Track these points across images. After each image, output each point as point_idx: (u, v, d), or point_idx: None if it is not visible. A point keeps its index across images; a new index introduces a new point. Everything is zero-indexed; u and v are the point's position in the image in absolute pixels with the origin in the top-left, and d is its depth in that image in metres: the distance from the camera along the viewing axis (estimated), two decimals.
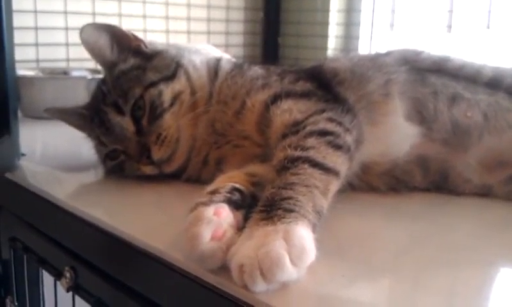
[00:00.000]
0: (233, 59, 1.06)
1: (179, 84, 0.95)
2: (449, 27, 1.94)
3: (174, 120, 0.92)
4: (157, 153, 0.91)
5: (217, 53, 1.09)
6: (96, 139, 0.98)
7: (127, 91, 0.93)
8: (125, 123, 0.93)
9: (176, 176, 0.96)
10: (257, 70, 0.97)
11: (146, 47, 1.00)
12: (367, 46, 2.20)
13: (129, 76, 0.95)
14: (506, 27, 1.79)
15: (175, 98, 0.93)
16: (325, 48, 2.23)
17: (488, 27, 1.84)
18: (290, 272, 0.55)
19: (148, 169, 0.93)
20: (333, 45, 2.24)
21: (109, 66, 0.99)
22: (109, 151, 0.96)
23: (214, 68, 0.99)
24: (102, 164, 1.01)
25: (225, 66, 1.00)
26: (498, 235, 0.78)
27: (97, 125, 0.96)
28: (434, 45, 1.95)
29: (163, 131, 0.91)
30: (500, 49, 1.79)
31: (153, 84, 0.93)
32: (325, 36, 2.23)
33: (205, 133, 0.94)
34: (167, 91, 0.93)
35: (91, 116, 0.98)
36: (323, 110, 0.84)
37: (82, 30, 0.97)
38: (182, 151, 0.93)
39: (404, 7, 2.11)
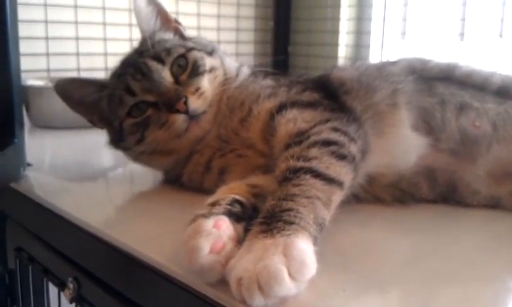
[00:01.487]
0: (249, 69, 1.06)
1: (215, 62, 0.98)
2: (461, 35, 1.94)
3: (210, 86, 0.94)
4: (195, 102, 0.91)
5: None
6: (125, 93, 0.94)
7: (170, 48, 0.96)
8: (164, 72, 0.93)
9: (179, 185, 0.97)
10: (268, 81, 0.97)
11: (184, 30, 1.05)
12: (377, 54, 2.19)
13: (172, 41, 1.00)
14: None
15: (213, 69, 0.97)
16: (335, 57, 2.23)
17: (501, 36, 1.82)
18: (288, 286, 0.54)
19: (179, 119, 0.90)
20: (343, 53, 2.24)
21: (150, 33, 1.01)
22: (137, 102, 0.93)
23: (237, 72, 1.01)
24: (115, 135, 0.98)
25: (242, 75, 1.01)
26: (505, 248, 0.77)
27: (131, 73, 0.94)
28: (447, 53, 1.95)
29: (202, 87, 0.92)
30: None
31: (196, 49, 0.98)
32: (335, 45, 2.23)
33: (212, 134, 0.94)
34: (207, 59, 0.97)
35: (118, 76, 0.98)
36: (328, 120, 0.83)
37: None
38: (211, 116, 0.93)
39: (415, 15, 2.10)
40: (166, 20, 1.04)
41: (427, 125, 0.90)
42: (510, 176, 0.89)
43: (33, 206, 0.95)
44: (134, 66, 0.95)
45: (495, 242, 0.79)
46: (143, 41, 1.00)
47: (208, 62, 0.96)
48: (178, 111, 0.89)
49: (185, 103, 0.89)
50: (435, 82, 0.96)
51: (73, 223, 0.85)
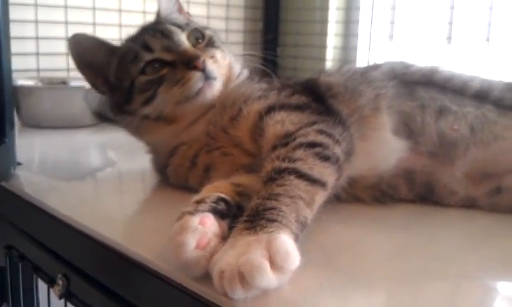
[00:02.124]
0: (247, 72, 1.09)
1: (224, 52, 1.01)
2: (449, 38, 1.96)
3: (222, 62, 0.98)
4: (211, 65, 0.94)
5: None
6: (143, 49, 0.96)
7: (188, 22, 1.02)
8: (182, 36, 0.98)
9: (164, 178, 1.01)
10: (261, 83, 1.00)
11: None
12: (365, 57, 2.21)
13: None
14: (506, 39, 1.81)
15: (223, 52, 1.00)
16: (323, 59, 2.25)
17: (488, 40, 1.85)
18: (270, 278, 0.56)
19: (196, 76, 0.92)
20: (331, 55, 2.26)
21: (168, 12, 1.09)
22: (153, 59, 0.95)
23: (240, 71, 1.05)
24: (121, 97, 0.99)
25: (244, 74, 1.05)
26: (480, 246, 0.79)
27: (152, 33, 0.98)
28: (434, 56, 1.96)
29: (217, 57, 0.97)
30: (500, 61, 1.81)
31: (209, 29, 1.04)
32: (323, 47, 2.26)
33: (201, 129, 0.96)
34: (220, 43, 1.02)
35: (133, 40, 1.00)
36: (314, 123, 0.85)
37: None
38: (220, 87, 0.96)
39: (403, 18, 2.12)
40: (180, 10, 1.10)
41: (408, 129, 0.93)
42: (486, 177, 0.92)
43: (23, 205, 0.97)
44: (153, 29, 0.99)
45: (469, 241, 0.82)
46: (159, 17, 1.06)
47: (220, 44, 1.02)
48: (195, 68, 0.92)
49: (203, 62, 0.93)
50: (416, 86, 0.98)
51: (63, 221, 0.86)
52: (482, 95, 0.98)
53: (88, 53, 1.02)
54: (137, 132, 1.02)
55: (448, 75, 1.02)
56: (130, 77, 0.96)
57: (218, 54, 0.98)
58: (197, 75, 0.92)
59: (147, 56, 0.95)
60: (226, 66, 0.99)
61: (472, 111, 0.95)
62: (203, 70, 0.92)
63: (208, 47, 0.98)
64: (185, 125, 0.97)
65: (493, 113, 0.95)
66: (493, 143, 0.92)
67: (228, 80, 0.99)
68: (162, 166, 1.02)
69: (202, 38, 1.00)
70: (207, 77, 0.93)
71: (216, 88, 0.95)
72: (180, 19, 1.04)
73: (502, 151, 0.92)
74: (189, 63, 0.92)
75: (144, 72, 0.95)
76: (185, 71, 0.92)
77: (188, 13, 1.11)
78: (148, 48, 0.96)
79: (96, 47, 1.03)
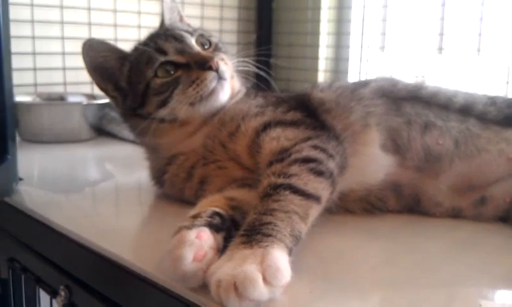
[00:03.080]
0: (245, 89, 1.12)
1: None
2: (440, 49, 1.98)
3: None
4: (223, 66, 0.98)
5: None
6: (156, 52, 1.00)
7: (194, 29, 1.08)
8: (193, 40, 1.03)
9: (160, 186, 1.05)
10: (258, 99, 1.03)
11: None
12: (356, 68, 2.25)
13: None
14: (496, 50, 1.83)
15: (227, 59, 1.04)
16: (316, 70, 2.28)
17: (478, 50, 1.87)
18: (261, 290, 0.60)
19: (210, 76, 0.96)
20: (323, 66, 2.29)
21: (172, 21, 1.15)
22: (165, 61, 0.99)
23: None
24: (135, 100, 1.02)
25: (242, 91, 1.08)
26: (463, 255, 0.83)
27: (162, 39, 1.02)
28: (425, 67, 1.98)
29: (225, 59, 1.01)
30: (490, 72, 1.83)
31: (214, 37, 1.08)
32: (315, 58, 2.29)
33: (199, 142, 1.00)
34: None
35: (145, 44, 1.04)
36: (309, 138, 0.89)
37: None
38: (228, 88, 1.00)
39: (394, 30, 2.14)
40: (182, 19, 1.17)
41: (395, 144, 0.97)
42: (470, 188, 0.96)
43: (25, 219, 1.00)
44: (165, 34, 1.03)
45: (453, 250, 0.85)
46: (162, 25, 1.11)
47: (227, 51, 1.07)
48: (210, 68, 0.96)
49: (217, 63, 0.97)
50: (403, 102, 1.02)
51: (64, 234, 0.90)
52: (466, 109, 1.02)
53: (100, 58, 1.05)
54: (147, 134, 1.02)
55: (433, 90, 1.05)
56: (145, 80, 1.00)
57: (225, 57, 1.02)
58: (212, 75, 0.96)
59: (161, 58, 0.99)
60: (231, 71, 1.03)
61: (456, 126, 0.98)
62: (216, 70, 0.96)
63: (216, 52, 1.03)
64: (197, 127, 1.00)
65: (476, 127, 0.99)
66: (477, 156, 0.96)
67: (231, 91, 1.02)
68: (159, 173, 1.05)
69: (209, 44, 1.05)
70: (220, 77, 0.97)
71: (226, 89, 0.99)
72: (186, 26, 1.09)
73: (485, 164, 0.96)
74: (203, 64, 0.97)
75: (157, 75, 0.99)
76: (200, 72, 0.96)
77: (188, 25, 1.14)
78: (161, 51, 1.00)
79: (108, 52, 1.06)
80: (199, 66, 0.97)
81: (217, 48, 1.05)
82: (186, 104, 0.96)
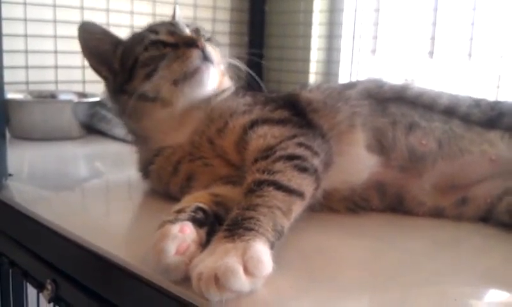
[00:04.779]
0: (234, 87, 1.14)
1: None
2: (431, 53, 1.99)
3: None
4: (210, 49, 1.01)
5: None
6: (150, 32, 1.04)
7: (192, 24, 1.10)
8: (185, 27, 1.05)
9: (146, 177, 1.07)
10: (247, 98, 1.04)
11: None
12: (347, 71, 2.26)
13: None
14: (487, 55, 1.84)
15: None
16: (307, 72, 2.30)
17: (470, 55, 1.89)
18: (242, 281, 0.61)
19: (196, 53, 0.99)
20: (314, 69, 2.31)
21: None
22: (157, 40, 1.02)
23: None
24: (124, 75, 1.05)
25: (231, 90, 1.09)
26: (444, 254, 0.85)
27: (156, 25, 1.06)
28: (416, 71, 2.00)
29: (215, 49, 1.03)
30: (481, 77, 1.84)
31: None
32: (307, 61, 2.30)
33: (185, 136, 1.01)
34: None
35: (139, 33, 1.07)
36: (294, 136, 0.90)
37: None
38: (216, 78, 1.03)
39: (386, 33, 2.15)
40: None
41: (380, 144, 0.98)
42: (453, 188, 0.98)
43: (14, 214, 1.01)
44: (161, 22, 1.08)
45: (434, 249, 0.87)
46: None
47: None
48: (196, 47, 0.99)
49: (203, 44, 0.99)
50: (388, 103, 1.04)
51: (52, 229, 0.91)
52: (450, 111, 1.03)
53: (95, 40, 1.09)
54: (132, 115, 1.05)
55: (418, 91, 1.07)
56: (134, 55, 1.03)
57: (217, 49, 1.05)
58: (197, 53, 0.99)
59: (152, 36, 1.03)
60: (220, 64, 1.05)
61: (440, 126, 1.00)
62: (202, 50, 0.99)
63: (208, 42, 1.04)
64: (182, 115, 1.02)
65: (460, 128, 1.01)
66: (460, 157, 0.98)
67: (219, 86, 1.05)
68: (146, 163, 1.06)
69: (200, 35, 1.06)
70: (206, 58, 0.99)
71: (212, 74, 1.01)
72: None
73: (468, 164, 0.98)
74: (190, 43, 1.00)
75: (147, 50, 1.02)
76: (186, 49, 0.99)
77: None
78: (153, 31, 1.04)
79: (103, 35, 1.10)
80: (186, 44, 1.00)
81: (208, 40, 1.06)
82: (169, 81, 0.99)
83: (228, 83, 1.09)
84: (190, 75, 0.99)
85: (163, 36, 1.03)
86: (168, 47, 1.01)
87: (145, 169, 1.07)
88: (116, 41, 1.09)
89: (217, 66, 1.03)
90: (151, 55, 1.01)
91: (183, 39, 1.01)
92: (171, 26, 1.05)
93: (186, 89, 1.00)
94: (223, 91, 1.07)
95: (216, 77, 1.02)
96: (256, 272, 0.63)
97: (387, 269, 0.77)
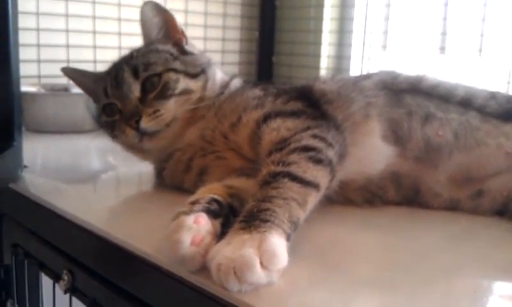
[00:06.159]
0: (242, 81, 1.14)
1: (195, 85, 1.04)
2: (442, 49, 1.98)
3: (175, 107, 1.01)
4: (146, 123, 0.98)
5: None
6: (103, 92, 1.05)
7: (151, 63, 1.03)
8: (133, 86, 1.01)
9: (161, 179, 1.07)
10: (257, 91, 1.04)
11: (186, 43, 1.11)
12: (358, 66, 2.26)
13: (160, 55, 1.06)
14: (497, 51, 1.83)
15: (186, 92, 1.03)
16: (317, 68, 2.29)
17: (480, 51, 1.88)
18: (258, 274, 0.62)
19: (131, 134, 1.00)
20: (325, 64, 2.30)
21: (149, 41, 1.10)
22: (108, 103, 1.04)
23: (224, 87, 1.09)
24: (98, 119, 1.10)
25: (231, 87, 1.09)
26: (460, 246, 0.84)
27: (112, 76, 1.04)
28: (427, 66, 1.99)
29: (162, 110, 0.99)
30: (491, 72, 1.84)
31: (175, 71, 1.03)
32: (317, 56, 2.29)
33: (194, 135, 1.02)
34: (183, 82, 1.03)
35: (108, 73, 1.07)
36: (308, 128, 0.90)
37: (144, 4, 1.07)
38: (167, 135, 1.01)
39: (396, 29, 2.14)
40: (173, 31, 1.11)
41: (395, 135, 0.98)
42: (468, 181, 0.97)
43: (30, 205, 1.02)
44: (116, 71, 1.05)
45: (449, 241, 0.87)
46: (139, 49, 1.09)
47: (183, 85, 1.02)
48: (130, 126, 0.99)
49: (137, 122, 0.98)
50: (404, 94, 1.03)
51: (68, 219, 0.91)
52: (466, 102, 1.03)
53: (79, 81, 1.17)
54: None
55: (434, 82, 1.06)
56: (100, 106, 1.07)
57: (167, 104, 1.00)
58: (131, 133, 1.00)
59: (104, 100, 1.05)
60: (188, 106, 1.02)
61: (456, 118, 1.00)
62: (136, 128, 0.99)
63: (157, 100, 1.00)
64: (160, 155, 1.05)
65: (476, 120, 1.00)
66: (476, 149, 0.97)
67: (197, 110, 1.03)
68: (159, 170, 1.07)
69: (158, 85, 1.01)
70: (143, 134, 0.99)
71: (159, 138, 1.01)
72: (150, 55, 1.05)
73: (484, 156, 0.97)
74: (126, 120, 1.00)
75: (104, 111, 1.05)
76: (124, 126, 1.00)
77: (182, 33, 1.12)
78: (106, 93, 1.04)
79: (81, 76, 1.16)
80: (125, 119, 1.01)
81: (161, 92, 1.01)
82: (127, 143, 1.03)
83: (217, 82, 1.08)
84: (134, 146, 1.03)
85: (113, 100, 1.03)
86: (118, 112, 1.03)
87: (158, 174, 1.08)
88: (93, 79, 1.12)
89: (168, 124, 1.01)
90: (106, 120, 1.05)
91: (124, 109, 1.01)
92: (118, 90, 1.02)
93: (147, 144, 1.01)
94: (225, 86, 1.08)
95: (167, 133, 1.01)
96: (270, 266, 0.63)
97: (403, 261, 0.77)
